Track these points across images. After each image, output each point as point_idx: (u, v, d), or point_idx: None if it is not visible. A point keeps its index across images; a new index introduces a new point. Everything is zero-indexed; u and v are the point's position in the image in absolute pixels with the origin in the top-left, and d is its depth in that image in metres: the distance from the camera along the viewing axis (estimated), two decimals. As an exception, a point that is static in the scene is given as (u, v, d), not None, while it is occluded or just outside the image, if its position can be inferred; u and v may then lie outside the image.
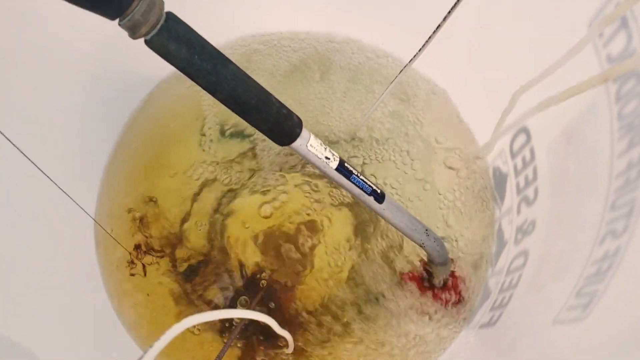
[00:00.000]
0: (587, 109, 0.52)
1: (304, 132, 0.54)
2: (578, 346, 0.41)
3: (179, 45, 0.43)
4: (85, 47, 0.76)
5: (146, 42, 0.43)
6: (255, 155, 0.86)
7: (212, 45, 0.46)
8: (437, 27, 0.63)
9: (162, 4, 0.43)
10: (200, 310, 0.58)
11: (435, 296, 0.72)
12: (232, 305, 0.75)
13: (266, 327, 0.58)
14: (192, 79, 0.46)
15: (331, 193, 0.82)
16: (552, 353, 0.44)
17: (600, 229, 0.46)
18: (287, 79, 0.90)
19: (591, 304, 0.41)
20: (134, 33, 0.42)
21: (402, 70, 0.70)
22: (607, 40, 0.49)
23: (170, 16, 0.43)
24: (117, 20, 0.42)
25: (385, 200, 0.61)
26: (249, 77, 0.48)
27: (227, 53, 0.47)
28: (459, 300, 0.72)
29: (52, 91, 0.74)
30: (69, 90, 0.77)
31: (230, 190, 0.83)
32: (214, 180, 0.84)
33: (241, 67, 0.48)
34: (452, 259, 0.73)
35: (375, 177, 0.82)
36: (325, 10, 0.90)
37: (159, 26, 0.42)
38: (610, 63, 0.49)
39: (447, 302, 0.72)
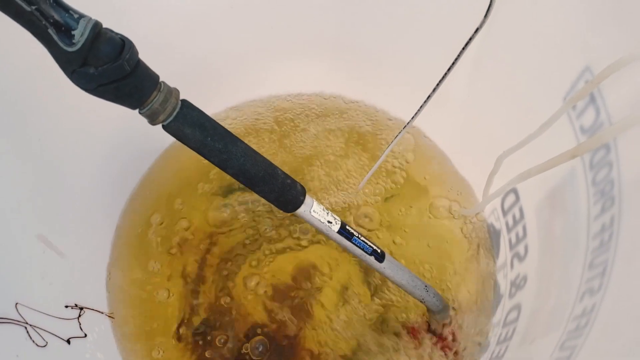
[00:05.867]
0: (567, 175, 0.57)
1: (307, 199, 0.58)
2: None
3: (193, 129, 0.48)
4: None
5: (164, 127, 0.48)
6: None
7: (222, 127, 0.51)
8: (434, 90, 0.68)
9: (178, 93, 0.48)
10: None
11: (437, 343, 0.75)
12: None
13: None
14: (206, 158, 0.51)
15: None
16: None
17: (580, 287, 0.49)
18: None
19: (570, 358, 0.44)
20: (153, 120, 0.47)
21: (402, 130, 0.74)
22: (579, 113, 0.54)
23: (185, 103, 0.48)
24: (137, 110, 0.47)
25: (385, 259, 0.64)
26: (256, 152, 0.53)
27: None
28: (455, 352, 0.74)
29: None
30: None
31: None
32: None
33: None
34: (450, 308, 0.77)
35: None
36: (323, 74, 0.96)
37: (175, 113, 0.47)
38: (583, 133, 0.54)
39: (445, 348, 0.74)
